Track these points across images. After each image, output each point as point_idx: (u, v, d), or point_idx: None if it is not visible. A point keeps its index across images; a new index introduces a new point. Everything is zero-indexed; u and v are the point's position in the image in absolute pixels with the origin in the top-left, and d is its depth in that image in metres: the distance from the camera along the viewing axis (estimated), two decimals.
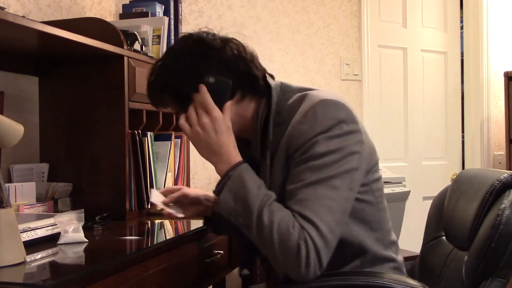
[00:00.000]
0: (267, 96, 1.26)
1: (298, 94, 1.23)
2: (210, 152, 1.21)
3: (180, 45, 1.28)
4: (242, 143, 1.32)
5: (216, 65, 1.20)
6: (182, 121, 1.23)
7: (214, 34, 1.25)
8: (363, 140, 1.17)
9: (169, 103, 1.27)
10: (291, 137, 1.15)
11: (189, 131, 1.22)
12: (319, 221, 1.07)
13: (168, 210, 1.49)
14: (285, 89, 1.27)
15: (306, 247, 1.05)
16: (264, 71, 1.29)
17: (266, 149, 1.23)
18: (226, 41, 1.24)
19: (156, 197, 1.49)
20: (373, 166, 1.25)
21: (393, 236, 1.31)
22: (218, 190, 1.18)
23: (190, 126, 1.22)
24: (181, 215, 1.47)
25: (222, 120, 1.19)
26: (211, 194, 1.49)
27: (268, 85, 1.27)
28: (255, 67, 1.25)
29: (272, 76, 1.31)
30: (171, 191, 1.54)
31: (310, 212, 1.07)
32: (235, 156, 1.19)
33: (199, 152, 1.23)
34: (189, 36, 1.25)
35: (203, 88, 1.19)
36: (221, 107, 1.20)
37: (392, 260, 1.26)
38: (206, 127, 1.19)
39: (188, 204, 1.52)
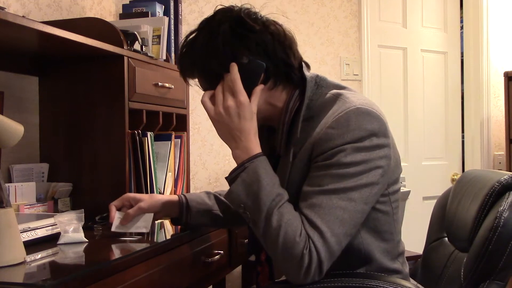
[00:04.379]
0: (300, 88, 1.22)
1: (332, 92, 1.20)
2: (229, 136, 1.17)
3: (217, 21, 1.19)
4: (266, 130, 1.29)
5: (253, 48, 1.16)
6: (206, 98, 1.19)
7: (256, 13, 1.21)
8: (390, 154, 1.15)
9: (198, 77, 1.24)
10: (319, 139, 1.11)
11: (211, 111, 1.18)
12: (328, 232, 1.05)
13: (131, 231, 1.40)
14: (320, 83, 1.23)
15: (310, 257, 1.04)
16: (301, 59, 1.24)
17: (290, 145, 1.20)
18: (268, 24, 1.20)
19: (116, 222, 1.39)
20: (396, 178, 1.23)
21: (402, 247, 1.29)
22: (231, 179, 1.15)
23: (214, 106, 1.18)
24: (145, 230, 1.40)
25: (247, 106, 1.15)
26: (173, 198, 1.44)
27: (303, 77, 1.22)
28: (293, 55, 1.21)
29: (307, 65, 1.27)
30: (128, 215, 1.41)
31: (320, 221, 1.06)
32: (255, 145, 1.16)
33: (218, 133, 1.20)
34: (229, 11, 1.20)
35: (234, 68, 1.15)
36: (250, 89, 1.16)
37: (398, 272, 1.24)
38: (230, 111, 1.15)
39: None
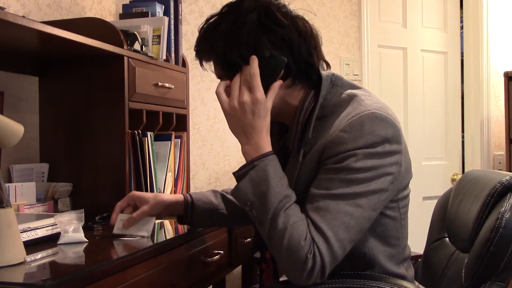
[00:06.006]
0: (316, 88, 1.20)
1: (347, 93, 1.18)
2: (240, 131, 1.15)
3: (245, 9, 1.15)
4: (278, 126, 1.28)
5: (278, 43, 1.13)
6: (221, 89, 1.16)
7: (285, 6, 1.17)
8: (401, 161, 1.13)
9: (214, 63, 1.20)
10: (331, 142, 1.09)
11: (225, 104, 1.15)
12: (332, 237, 1.05)
13: (132, 234, 1.39)
14: (335, 82, 1.21)
15: (314, 261, 1.04)
16: (322, 59, 1.22)
17: (301, 145, 1.19)
18: (296, 20, 1.17)
19: (118, 225, 1.39)
20: (406, 184, 1.22)
21: (408, 252, 1.28)
22: (239, 176, 1.13)
23: (228, 98, 1.15)
24: (146, 234, 1.39)
25: (263, 103, 1.12)
26: (179, 198, 1.43)
27: (319, 76, 1.20)
28: (316, 55, 1.19)
29: (328, 64, 1.25)
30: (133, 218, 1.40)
31: (326, 226, 1.05)
32: (265, 143, 1.13)
33: (229, 127, 1.17)
34: (258, 0, 1.16)
35: (255, 61, 1.12)
36: (268, 84, 1.13)
37: (402, 276, 1.22)
38: (244, 106, 1.12)
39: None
